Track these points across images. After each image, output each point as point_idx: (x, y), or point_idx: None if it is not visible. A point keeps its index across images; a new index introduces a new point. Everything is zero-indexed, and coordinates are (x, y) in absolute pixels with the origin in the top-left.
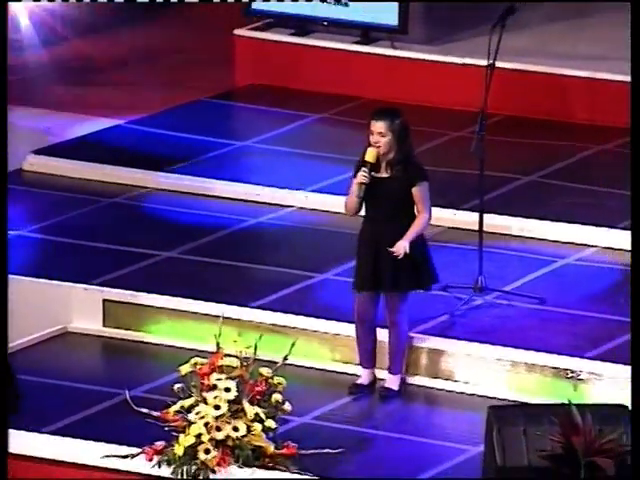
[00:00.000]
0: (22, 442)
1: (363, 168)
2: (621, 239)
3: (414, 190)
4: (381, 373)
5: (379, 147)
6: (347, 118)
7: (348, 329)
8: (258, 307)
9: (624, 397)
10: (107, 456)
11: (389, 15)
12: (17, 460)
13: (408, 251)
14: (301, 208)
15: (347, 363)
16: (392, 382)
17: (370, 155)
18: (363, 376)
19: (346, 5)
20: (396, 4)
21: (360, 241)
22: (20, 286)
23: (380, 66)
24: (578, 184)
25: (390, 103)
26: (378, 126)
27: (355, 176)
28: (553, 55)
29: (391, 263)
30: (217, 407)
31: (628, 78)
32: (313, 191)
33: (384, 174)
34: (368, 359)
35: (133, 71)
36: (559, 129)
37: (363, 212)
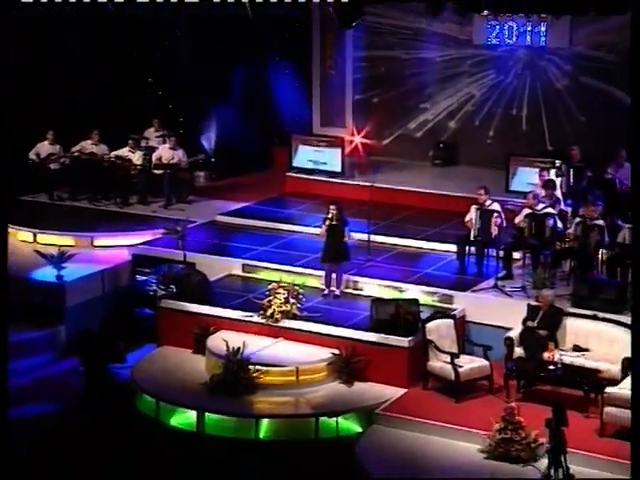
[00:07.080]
0: (211, 311)
1: (327, 221)
2: (415, 243)
3: (345, 229)
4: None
5: (333, 214)
6: (325, 202)
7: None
8: (297, 266)
9: (417, 296)
10: (245, 315)
11: (337, 167)
12: (208, 318)
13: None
14: (310, 234)
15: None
16: (337, 292)
17: (330, 216)
18: (326, 291)
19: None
20: (339, 162)
21: (326, 244)
22: (209, 261)
23: (337, 186)
24: (411, 225)
25: (340, 198)
26: (332, 207)
27: (324, 223)
28: (397, 181)
29: (339, 253)
30: (280, 300)
31: (431, 191)
32: (315, 227)
33: (334, 222)
34: (328, 285)
35: (246, 188)
36: (403, 207)
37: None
